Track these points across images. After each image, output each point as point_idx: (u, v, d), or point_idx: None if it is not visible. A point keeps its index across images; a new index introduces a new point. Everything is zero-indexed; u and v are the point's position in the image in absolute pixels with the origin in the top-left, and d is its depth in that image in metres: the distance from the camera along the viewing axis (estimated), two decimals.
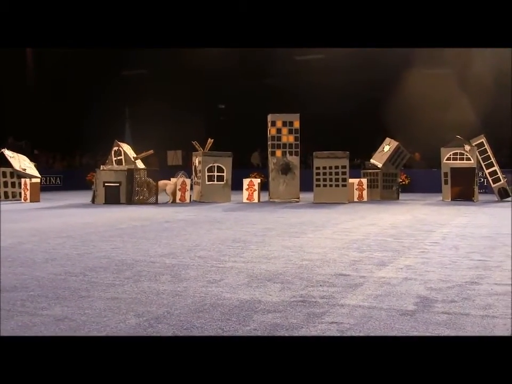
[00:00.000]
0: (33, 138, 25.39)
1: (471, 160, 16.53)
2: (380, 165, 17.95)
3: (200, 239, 7.56)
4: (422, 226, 9.28)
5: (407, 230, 8.76)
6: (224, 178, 16.62)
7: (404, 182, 21.74)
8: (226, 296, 4.27)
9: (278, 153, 16.85)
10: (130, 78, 29.35)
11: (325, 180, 16.09)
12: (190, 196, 16.57)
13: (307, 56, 25.53)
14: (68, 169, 27.06)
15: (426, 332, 3.38)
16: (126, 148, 17.19)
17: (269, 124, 16.94)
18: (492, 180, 16.88)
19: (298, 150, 16.97)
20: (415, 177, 22.70)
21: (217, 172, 16.57)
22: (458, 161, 16.67)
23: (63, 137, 26.05)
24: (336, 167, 16.04)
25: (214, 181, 16.53)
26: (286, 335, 3.33)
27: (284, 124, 16.88)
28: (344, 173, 16.01)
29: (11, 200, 16.74)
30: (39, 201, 16.13)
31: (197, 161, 17.02)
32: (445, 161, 16.87)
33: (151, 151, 17.02)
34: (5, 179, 17.33)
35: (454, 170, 16.62)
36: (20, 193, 16.94)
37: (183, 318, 3.66)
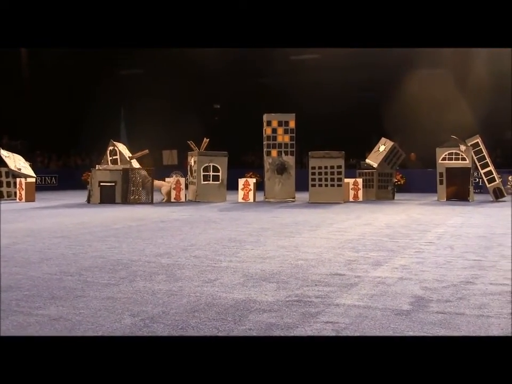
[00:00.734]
0: (28, 138, 25.32)
1: (466, 160, 16.56)
2: (375, 165, 17.97)
3: (195, 239, 7.56)
4: (417, 226, 9.30)
5: (402, 230, 8.78)
6: (220, 178, 16.62)
7: (399, 182, 21.77)
8: (221, 296, 4.26)
9: (274, 153, 16.86)
10: (126, 77, 29.30)
11: (320, 179, 16.09)
12: (186, 195, 16.56)
13: (302, 56, 25.54)
14: (63, 169, 27.01)
15: (422, 331, 3.39)
16: (122, 148, 17.17)
17: (265, 124, 16.94)
18: (487, 180, 16.91)
19: (294, 149, 16.98)
20: (410, 177, 22.74)
21: (212, 172, 16.56)
22: (453, 161, 16.69)
23: (59, 137, 25.99)
24: (332, 167, 16.04)
25: (209, 180, 16.52)
26: (281, 334, 3.33)
27: (280, 123, 16.88)
28: (339, 173, 16.02)
29: (6, 200, 16.69)
30: (34, 201, 16.10)
31: (192, 161, 17.01)
32: (440, 161, 16.90)
33: (146, 151, 17.00)
34: (0, 179, 17.29)
35: (449, 170, 16.64)
36: (15, 193, 16.90)
37: (178, 318, 3.66)
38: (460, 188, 16.58)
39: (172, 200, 16.07)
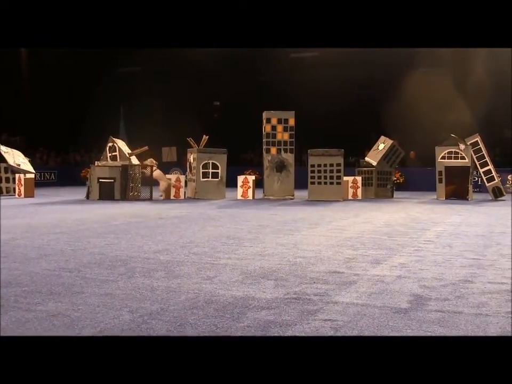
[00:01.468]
0: (27, 134, 25.31)
1: (465, 159, 16.56)
2: (374, 163, 17.97)
3: (194, 236, 7.56)
4: (416, 225, 9.30)
5: (401, 228, 8.78)
6: (219, 175, 16.61)
7: (398, 180, 21.77)
8: (220, 293, 4.27)
9: (273, 150, 16.85)
10: (125, 75, 29.27)
11: (319, 177, 16.09)
12: (185, 193, 16.57)
13: (302, 54, 25.53)
14: (62, 165, 26.99)
15: (420, 329, 3.39)
16: (121, 144, 17.14)
17: (264, 121, 16.94)
18: (486, 179, 16.92)
19: (293, 147, 16.99)
20: (409, 175, 22.74)
21: (211, 169, 16.55)
22: (452, 160, 16.69)
23: (58, 133, 25.98)
24: (331, 165, 16.04)
25: (208, 177, 16.52)
26: (280, 332, 3.33)
27: (279, 121, 16.87)
28: (338, 171, 16.02)
29: (5, 196, 16.69)
30: (33, 197, 16.09)
31: (191, 158, 17.01)
32: (439, 159, 16.90)
33: (146, 147, 16.98)
34: None
35: (448, 169, 16.65)
36: (14, 189, 16.89)
37: (177, 314, 3.66)
38: (459, 187, 16.58)
39: (171, 197, 16.07)
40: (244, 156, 27.38)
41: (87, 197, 15.42)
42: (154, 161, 16.23)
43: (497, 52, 20.80)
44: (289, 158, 16.87)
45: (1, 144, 18.03)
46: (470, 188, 16.64)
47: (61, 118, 25.69)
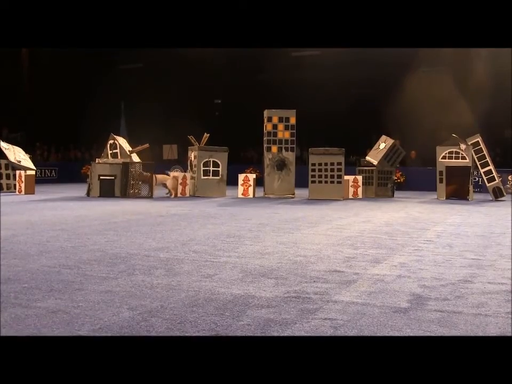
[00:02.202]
0: (28, 130, 25.32)
1: (466, 159, 16.55)
2: (375, 163, 17.97)
3: (194, 234, 7.56)
4: (416, 224, 9.30)
5: (401, 227, 8.78)
6: (220, 173, 16.63)
7: (399, 180, 21.77)
8: (220, 291, 4.27)
9: (274, 149, 16.86)
10: (127, 71, 29.26)
11: (320, 176, 16.09)
12: (189, 190, 16.59)
13: (304, 52, 25.50)
14: (63, 162, 26.99)
15: (419, 329, 3.39)
16: (122, 141, 17.15)
17: (265, 120, 16.95)
18: (486, 179, 16.91)
19: (294, 146, 16.99)
20: (410, 175, 22.73)
21: (212, 167, 16.57)
22: (453, 160, 16.69)
23: (59, 130, 25.97)
24: (332, 164, 16.04)
25: (209, 175, 16.53)
26: (279, 330, 3.33)
27: (280, 119, 16.88)
28: (339, 170, 16.02)
29: (6, 192, 16.69)
30: (33, 194, 16.09)
31: (192, 156, 17.02)
32: (440, 159, 16.89)
33: (147, 145, 17.00)
34: None
35: (449, 169, 16.64)
36: (15, 185, 16.90)
37: (176, 312, 3.66)
38: (460, 187, 16.58)
39: (179, 195, 16.07)
40: (244, 154, 27.39)
41: (88, 194, 15.42)
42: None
43: (498, 52, 20.78)
44: (290, 156, 16.87)
45: (2, 141, 18.02)
46: (471, 188, 16.64)
47: (62, 114, 25.68)
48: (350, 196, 16.99)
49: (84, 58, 25.77)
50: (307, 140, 21.84)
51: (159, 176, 16.12)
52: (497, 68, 21.19)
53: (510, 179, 21.11)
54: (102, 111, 26.32)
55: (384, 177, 18.19)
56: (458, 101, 21.48)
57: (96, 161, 15.95)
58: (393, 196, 18.03)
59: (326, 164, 16.06)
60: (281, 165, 16.75)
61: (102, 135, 18.72)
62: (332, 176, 16.02)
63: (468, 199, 16.23)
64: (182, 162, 23.37)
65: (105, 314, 3.60)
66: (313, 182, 16.17)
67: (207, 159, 16.50)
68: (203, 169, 16.47)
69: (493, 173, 16.76)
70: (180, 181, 16.20)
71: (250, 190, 16.43)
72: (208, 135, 16.90)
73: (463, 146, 16.52)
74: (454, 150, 16.70)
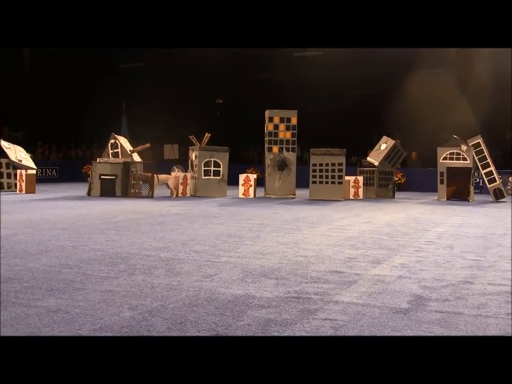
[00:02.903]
0: (29, 129, 25.32)
1: (467, 160, 16.54)
2: (376, 163, 17.96)
3: (195, 234, 7.56)
4: (417, 225, 9.30)
5: (402, 228, 8.78)
6: (221, 173, 16.62)
7: (399, 181, 21.75)
8: (220, 291, 4.27)
9: (275, 149, 16.85)
10: (128, 70, 29.25)
11: (321, 176, 16.08)
12: (190, 190, 16.59)
13: (305, 52, 25.50)
14: (63, 161, 26.99)
15: (419, 330, 3.39)
16: (123, 141, 17.15)
17: (267, 120, 16.94)
18: (487, 180, 16.89)
19: (295, 146, 16.99)
20: (411, 176, 22.71)
21: (213, 167, 16.56)
22: (454, 161, 16.67)
23: (60, 129, 25.97)
24: (333, 164, 16.03)
25: (210, 175, 16.52)
26: (280, 330, 3.34)
27: (282, 120, 16.88)
28: (340, 170, 16.01)
29: (6, 191, 16.70)
30: (34, 193, 16.09)
31: (193, 156, 17.02)
32: (441, 160, 16.88)
33: (148, 144, 17.00)
34: (0, 170, 17.29)
35: (450, 170, 16.63)
36: (16, 184, 16.90)
37: (177, 312, 3.66)
38: (460, 188, 16.56)
39: (179, 195, 16.07)
40: (245, 154, 27.38)
41: (88, 193, 15.43)
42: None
43: (500, 53, 20.76)
44: (291, 156, 16.86)
45: (3, 140, 18.02)
46: (471, 189, 16.62)
47: (63, 113, 25.68)
48: (351, 197, 16.97)
49: (85, 58, 25.75)
50: (308, 140, 21.80)
51: (162, 176, 16.14)
52: (499, 68, 21.17)
53: (511, 180, 21.10)
54: (103, 110, 26.31)
55: (385, 178, 18.18)
56: (459, 102, 21.47)
57: (97, 160, 15.94)
58: (394, 196, 18.02)
59: (327, 164, 16.05)
60: (282, 165, 16.74)
61: (103, 134, 18.72)
62: (333, 177, 16.01)
63: (468, 200, 16.22)
64: (183, 162, 23.37)
65: (106, 314, 3.60)
66: (314, 182, 16.16)
67: (208, 159, 16.50)
68: (204, 169, 16.46)
69: (493, 174, 16.75)
70: (180, 180, 16.21)
71: (251, 190, 16.43)
72: (209, 135, 16.90)
73: (464, 147, 16.51)
74: (455, 151, 16.68)
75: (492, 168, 16.80)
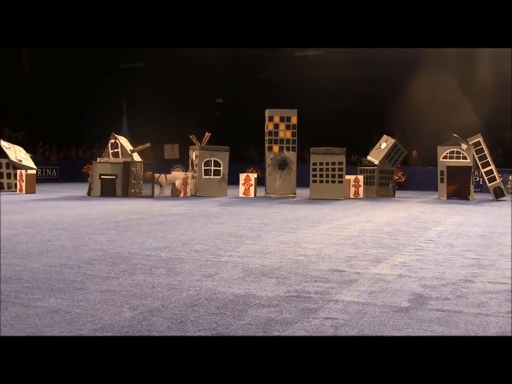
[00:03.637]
0: (30, 129, 25.32)
1: (467, 159, 16.54)
2: (376, 162, 17.96)
3: (195, 233, 7.56)
4: (417, 224, 9.30)
5: (402, 227, 8.78)
6: (221, 173, 16.62)
7: (400, 180, 21.75)
8: (221, 291, 4.27)
9: (275, 148, 16.85)
10: (128, 70, 29.24)
11: (321, 175, 16.08)
12: (191, 189, 16.60)
13: (306, 52, 25.48)
14: (64, 161, 26.98)
15: (420, 329, 3.40)
16: (123, 141, 17.15)
17: (267, 119, 16.94)
18: (487, 179, 16.89)
19: (296, 145, 16.99)
20: (411, 174, 22.70)
21: (214, 166, 16.56)
22: (454, 160, 16.67)
23: (60, 129, 25.97)
24: (333, 163, 16.03)
25: (210, 175, 16.53)
26: (280, 330, 3.34)
27: (282, 119, 16.88)
28: (340, 169, 16.01)
29: (6, 191, 16.70)
30: (34, 193, 16.10)
31: (194, 155, 17.02)
32: (441, 159, 16.88)
33: (148, 144, 17.00)
34: (0, 170, 17.30)
35: (450, 168, 16.63)
36: (16, 184, 16.90)
37: (177, 312, 3.67)
38: (461, 187, 16.56)
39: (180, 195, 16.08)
40: (246, 153, 27.37)
41: (89, 193, 15.43)
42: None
43: (501, 53, 20.74)
44: (291, 156, 16.87)
45: (3, 140, 18.02)
46: (472, 187, 16.63)
47: (63, 113, 25.68)
48: (351, 196, 16.97)
49: (85, 58, 25.74)
50: (308, 140, 21.78)
51: (169, 176, 16.17)
52: (500, 68, 21.16)
53: (511, 179, 21.09)
54: (104, 110, 26.30)
55: (385, 176, 18.18)
56: (460, 102, 21.46)
57: (98, 160, 15.94)
58: (394, 195, 18.02)
59: (327, 164, 16.05)
60: (282, 165, 16.74)
61: (104, 134, 18.71)
62: (333, 176, 16.02)
63: (468, 199, 16.22)
64: (183, 162, 23.36)
65: (106, 313, 3.61)
66: (314, 181, 16.17)
67: (208, 159, 16.50)
68: (204, 169, 16.47)
69: (493, 173, 16.75)
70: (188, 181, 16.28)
71: (252, 189, 16.43)
72: (210, 134, 16.90)
73: (464, 146, 16.51)
74: (455, 149, 16.68)
75: (492, 167, 16.81)
